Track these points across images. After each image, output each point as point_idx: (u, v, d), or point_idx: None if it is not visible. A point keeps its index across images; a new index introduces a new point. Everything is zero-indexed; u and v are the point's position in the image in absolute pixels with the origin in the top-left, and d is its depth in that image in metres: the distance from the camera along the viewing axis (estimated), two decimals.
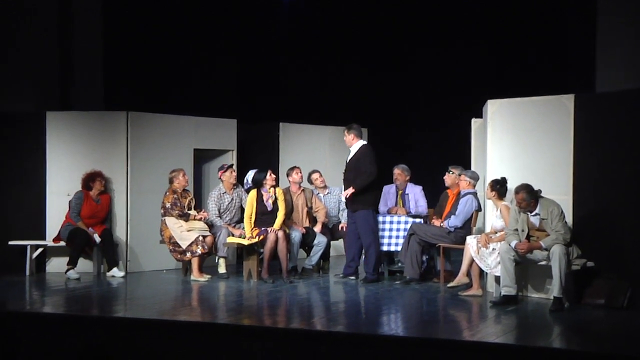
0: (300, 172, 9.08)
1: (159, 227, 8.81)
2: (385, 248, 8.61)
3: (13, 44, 9.84)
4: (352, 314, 6.83)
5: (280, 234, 8.37)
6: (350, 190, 8.17)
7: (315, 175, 9.37)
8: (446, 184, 8.63)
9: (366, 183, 8.12)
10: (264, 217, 8.53)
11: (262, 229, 8.47)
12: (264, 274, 8.41)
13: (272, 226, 8.45)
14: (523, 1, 11.36)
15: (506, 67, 11.55)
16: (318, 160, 10.77)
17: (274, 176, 8.62)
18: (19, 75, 9.86)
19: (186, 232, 8.58)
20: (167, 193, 8.75)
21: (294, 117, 11.23)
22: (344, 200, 8.32)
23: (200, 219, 8.71)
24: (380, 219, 8.59)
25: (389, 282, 8.48)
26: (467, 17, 11.82)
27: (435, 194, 8.99)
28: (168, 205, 8.64)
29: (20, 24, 9.89)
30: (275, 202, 8.56)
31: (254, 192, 8.58)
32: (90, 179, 8.92)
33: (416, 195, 9.01)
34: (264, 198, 8.57)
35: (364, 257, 8.40)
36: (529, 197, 7.02)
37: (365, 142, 8.39)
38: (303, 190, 9.13)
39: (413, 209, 8.95)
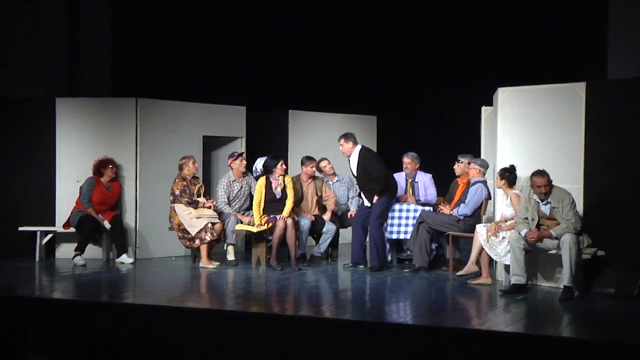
0: (314, 163, 9.04)
1: (168, 213, 8.79)
2: (394, 236, 8.58)
3: (22, 30, 9.85)
4: (361, 302, 6.83)
5: (289, 221, 8.36)
6: (376, 198, 8.27)
7: (324, 163, 9.37)
8: (456, 173, 8.63)
9: (383, 184, 8.23)
10: (273, 204, 8.51)
11: (271, 216, 8.48)
12: (272, 261, 8.39)
13: (281, 214, 8.43)
14: None
15: (517, 54, 11.49)
16: (328, 148, 10.70)
17: (284, 166, 8.62)
18: (29, 61, 9.87)
19: (195, 219, 8.58)
20: (177, 180, 8.73)
21: (303, 104, 11.21)
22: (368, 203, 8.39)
23: (209, 207, 8.70)
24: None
25: (398, 270, 8.46)
26: (477, 3, 11.76)
27: (445, 182, 8.95)
28: (177, 192, 8.65)
29: (29, 10, 9.91)
30: (284, 190, 8.54)
31: (262, 180, 8.56)
32: (102, 166, 8.93)
33: (426, 183, 8.99)
34: (273, 185, 8.57)
35: (368, 245, 8.44)
36: (550, 182, 6.96)
37: (360, 146, 8.41)
38: (313, 179, 9.11)
39: (422, 197, 8.96)
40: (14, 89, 9.61)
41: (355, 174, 8.47)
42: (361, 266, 8.43)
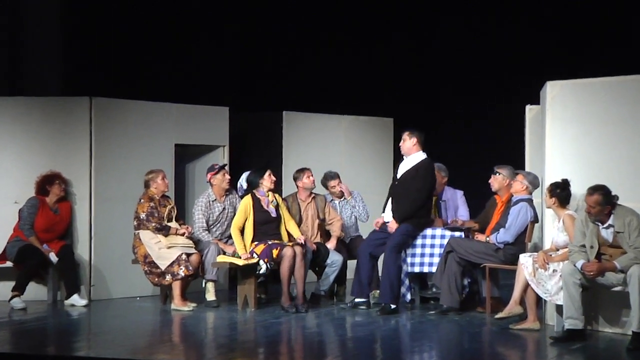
0: (312, 176, 9.11)
1: (131, 243, 8.79)
2: (416, 269, 8.60)
3: None
4: (375, 353, 6.82)
5: (299, 249, 8.44)
6: (393, 224, 8.42)
7: (333, 182, 9.37)
8: (492, 188, 8.62)
9: (411, 211, 8.40)
10: (266, 227, 8.57)
11: (270, 243, 8.47)
12: (284, 300, 8.42)
13: (279, 239, 8.54)
14: None
15: (569, 41, 11.52)
16: (331, 158, 10.80)
17: (273, 177, 8.67)
18: None
19: (166, 250, 8.58)
20: (142, 200, 8.73)
21: (300, 104, 11.25)
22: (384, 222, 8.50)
23: (183, 234, 8.68)
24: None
25: (421, 311, 8.47)
26: None
27: (478, 201, 8.97)
28: (143, 215, 8.64)
29: None
30: (277, 208, 8.63)
31: (247, 199, 8.62)
32: (47, 182, 8.92)
33: (455, 202, 9.04)
34: (263, 203, 8.57)
35: (381, 277, 8.46)
36: (605, 201, 6.97)
37: (426, 155, 8.54)
38: (314, 197, 9.17)
39: (451, 220, 8.94)
40: None
41: (395, 180, 8.56)
42: (363, 307, 8.49)
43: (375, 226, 8.60)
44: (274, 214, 8.57)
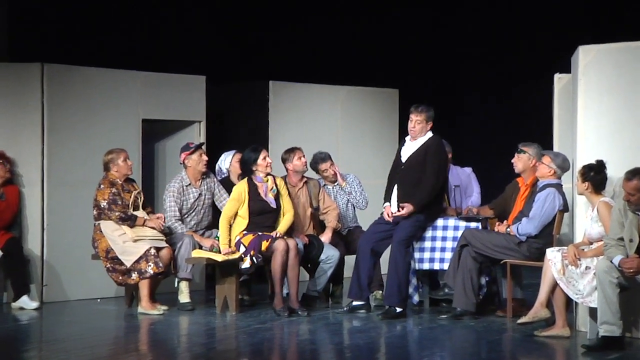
0: (304, 157, 9.12)
1: (90, 235, 8.78)
2: (425, 266, 8.62)
3: None
4: None
5: (292, 243, 8.47)
6: (408, 209, 8.35)
7: (324, 165, 9.38)
8: (516, 169, 8.59)
9: (429, 198, 8.44)
10: (263, 218, 8.60)
11: (259, 234, 8.48)
12: (277, 303, 8.45)
13: (272, 231, 8.56)
14: None
15: None
16: (326, 136, 10.83)
17: (269, 160, 8.65)
18: None
19: (131, 244, 8.58)
20: (102, 186, 8.72)
21: (290, 73, 11.26)
22: (390, 217, 8.47)
23: (152, 227, 8.68)
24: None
25: (431, 315, 8.50)
26: None
27: (497, 186, 8.99)
28: (104, 203, 8.63)
29: None
30: (278, 197, 8.64)
31: (243, 184, 8.62)
32: None
33: (464, 180, 9.10)
34: (261, 190, 8.57)
35: (387, 276, 8.46)
36: None
37: (432, 133, 8.56)
38: (306, 182, 9.16)
39: (465, 204, 8.96)
40: None
41: (398, 164, 8.58)
42: (362, 311, 8.54)
43: (389, 217, 8.49)
44: (273, 205, 8.58)
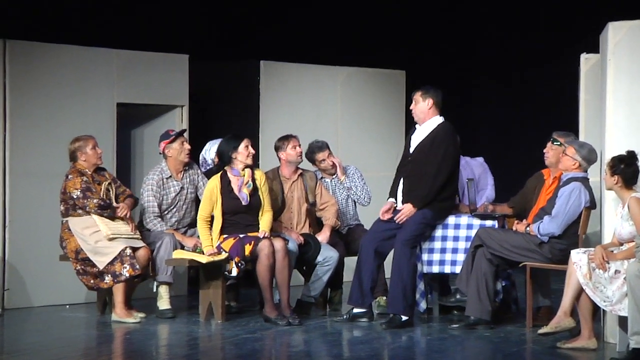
0: (299, 146, 9.11)
1: (58, 234, 8.77)
2: (435, 269, 8.63)
3: None
4: None
5: (279, 243, 8.45)
6: (409, 210, 8.38)
7: (321, 155, 9.37)
8: (546, 161, 8.63)
9: (432, 193, 8.43)
10: (236, 218, 8.60)
11: (240, 237, 8.47)
12: (268, 310, 8.45)
13: (256, 232, 8.53)
14: None
15: None
16: (323, 123, 10.87)
17: (251, 150, 8.61)
18: None
19: (104, 243, 8.58)
20: (71, 176, 8.69)
21: (283, 52, 11.29)
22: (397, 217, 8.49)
23: (124, 216, 8.67)
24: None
25: (441, 325, 8.52)
26: None
27: (514, 182, 9.04)
28: (78, 193, 8.62)
29: None
30: (255, 192, 8.55)
31: (215, 179, 8.61)
32: None
33: (477, 172, 9.14)
34: (234, 186, 8.55)
35: (390, 281, 8.48)
36: None
37: (443, 119, 8.56)
38: (301, 174, 9.15)
39: (480, 200, 8.97)
40: None
41: (406, 156, 8.60)
42: (363, 319, 8.55)
43: (383, 216, 8.54)
44: (244, 201, 8.53)
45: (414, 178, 8.46)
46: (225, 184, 8.56)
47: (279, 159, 9.10)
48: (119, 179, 9.25)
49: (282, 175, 9.05)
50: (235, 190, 8.55)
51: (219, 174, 8.60)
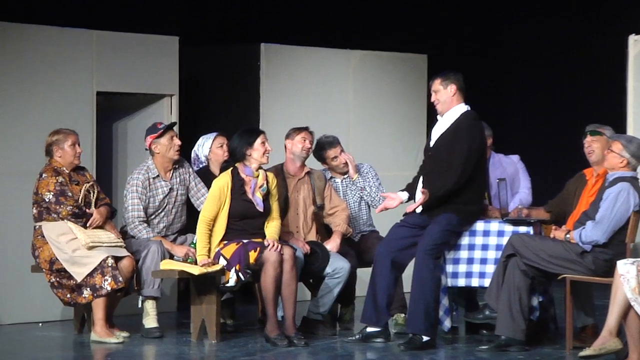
0: (309, 141, 9.15)
1: (29, 241, 8.79)
2: (460, 282, 8.65)
3: None
4: None
5: (287, 251, 8.47)
6: (421, 199, 8.40)
7: (333, 151, 9.42)
8: (592, 156, 8.57)
9: (453, 188, 8.41)
10: (243, 223, 8.64)
11: (243, 242, 8.49)
12: (270, 329, 8.44)
13: (263, 238, 8.58)
14: None
15: None
16: (333, 114, 10.92)
17: (269, 147, 8.62)
18: None
19: (83, 252, 8.58)
20: (45, 175, 8.70)
21: (286, 34, 11.37)
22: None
23: (96, 223, 8.68)
24: None
25: (467, 345, 8.56)
26: None
27: (552, 183, 9.10)
28: (49, 196, 8.63)
29: None
30: (267, 197, 8.64)
31: (226, 176, 8.60)
32: None
33: (510, 171, 9.18)
34: (247, 187, 8.58)
35: (410, 296, 8.47)
36: None
37: (468, 108, 8.56)
38: (309, 172, 9.20)
39: (513, 203, 8.99)
40: None
41: (427, 150, 8.67)
42: (379, 339, 8.56)
43: (384, 205, 8.55)
44: (260, 207, 8.55)
45: (433, 175, 8.47)
46: (238, 183, 8.57)
47: (287, 147, 9.14)
48: (98, 178, 9.31)
49: (287, 171, 9.10)
50: (249, 193, 8.56)
51: (229, 170, 8.61)
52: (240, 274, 8.33)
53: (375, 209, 9.40)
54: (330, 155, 9.37)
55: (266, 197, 8.59)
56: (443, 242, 8.42)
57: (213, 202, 8.54)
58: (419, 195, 8.44)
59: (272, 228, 8.58)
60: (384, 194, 8.65)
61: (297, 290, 8.52)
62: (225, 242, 8.49)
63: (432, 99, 8.59)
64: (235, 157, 8.60)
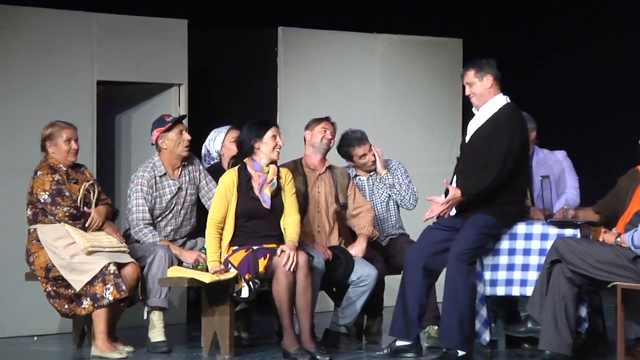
0: (330, 132, 9.17)
1: (23, 246, 8.81)
2: (499, 291, 8.66)
3: None
4: None
5: (301, 257, 8.47)
6: (455, 197, 8.39)
7: (362, 149, 9.45)
8: None
9: (490, 186, 8.44)
10: (252, 225, 8.68)
11: (253, 248, 8.50)
12: (288, 343, 8.47)
13: (277, 242, 8.60)
14: None
15: None
16: (358, 104, 10.96)
17: (280, 141, 8.64)
18: None
19: (82, 258, 8.61)
20: (40, 172, 8.71)
21: (306, 16, 11.46)
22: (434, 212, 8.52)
23: (95, 225, 8.69)
24: None
25: None
26: None
27: (602, 181, 9.14)
28: (45, 196, 8.65)
29: None
30: (278, 194, 8.58)
31: (232, 173, 8.63)
32: None
33: (555, 169, 9.22)
34: (255, 184, 8.60)
35: (443, 306, 8.50)
36: None
37: (507, 99, 8.62)
38: (330, 167, 9.20)
39: (558, 203, 9.01)
40: None
41: (463, 146, 8.77)
42: (410, 354, 8.57)
43: (432, 212, 8.51)
44: (266, 203, 8.55)
45: (469, 173, 8.48)
46: (244, 179, 8.59)
47: (306, 138, 9.16)
48: (99, 176, 9.31)
49: (306, 165, 9.11)
50: (255, 189, 8.57)
51: (236, 167, 8.63)
52: (250, 284, 8.34)
53: (404, 208, 9.50)
54: (359, 153, 9.37)
55: (276, 194, 8.59)
56: (478, 247, 8.41)
57: (220, 202, 8.58)
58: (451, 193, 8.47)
59: (291, 226, 8.58)
60: (429, 198, 8.57)
61: (314, 300, 8.54)
62: (234, 247, 8.52)
63: (467, 93, 8.60)
64: (242, 151, 8.62)
